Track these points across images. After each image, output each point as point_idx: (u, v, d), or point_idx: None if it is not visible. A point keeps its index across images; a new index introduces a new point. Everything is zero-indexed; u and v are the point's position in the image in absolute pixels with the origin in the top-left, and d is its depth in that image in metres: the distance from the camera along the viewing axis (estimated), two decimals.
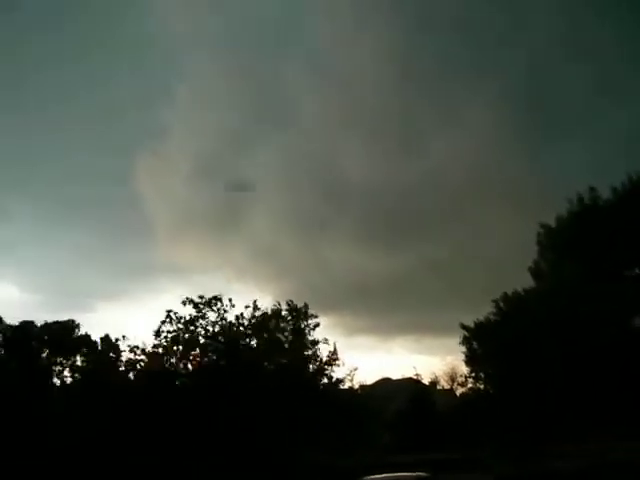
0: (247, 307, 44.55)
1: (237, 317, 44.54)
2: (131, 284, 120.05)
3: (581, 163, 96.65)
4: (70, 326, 51.44)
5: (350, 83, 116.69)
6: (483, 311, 45.81)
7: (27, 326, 49.90)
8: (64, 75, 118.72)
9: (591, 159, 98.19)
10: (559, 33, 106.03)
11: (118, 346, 47.36)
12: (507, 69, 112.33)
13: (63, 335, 50.27)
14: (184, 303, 43.44)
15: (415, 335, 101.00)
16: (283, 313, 45.47)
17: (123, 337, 46.02)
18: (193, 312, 43.53)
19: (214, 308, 43.91)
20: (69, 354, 50.07)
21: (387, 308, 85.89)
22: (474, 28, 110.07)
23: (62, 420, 40.97)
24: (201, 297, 43.89)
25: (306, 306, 45.45)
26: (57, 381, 50.51)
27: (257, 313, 44.86)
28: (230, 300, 44.40)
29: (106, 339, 49.84)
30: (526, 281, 43.71)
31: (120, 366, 45.94)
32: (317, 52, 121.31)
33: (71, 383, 49.55)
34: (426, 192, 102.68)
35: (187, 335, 43.69)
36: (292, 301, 45.44)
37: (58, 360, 50.17)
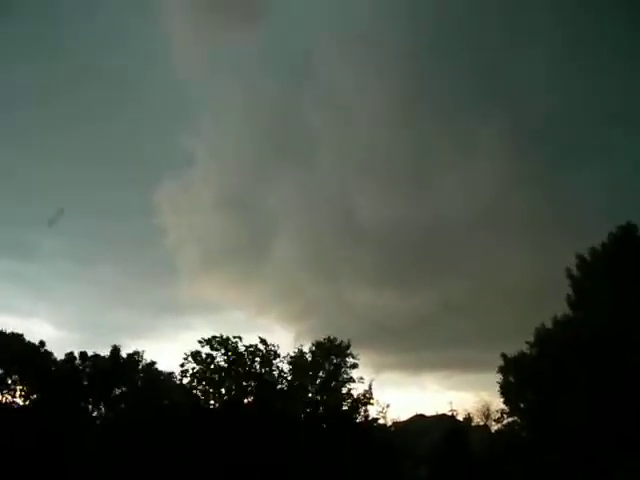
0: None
1: (272, 354, 44.48)
2: (158, 320, 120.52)
3: (596, 194, 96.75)
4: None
5: (365, 127, 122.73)
6: (511, 345, 44.99)
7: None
8: (88, 107, 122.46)
9: (606, 190, 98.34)
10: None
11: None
12: (518, 101, 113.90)
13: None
14: (201, 343, 44.09)
15: (444, 371, 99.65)
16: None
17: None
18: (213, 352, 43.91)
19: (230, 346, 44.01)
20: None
21: (412, 345, 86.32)
22: (482, 64, 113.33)
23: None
24: (220, 336, 44.12)
25: (348, 344, 45.12)
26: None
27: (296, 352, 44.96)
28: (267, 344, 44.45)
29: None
30: (552, 312, 42.79)
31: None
32: (335, 96, 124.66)
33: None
34: (441, 230, 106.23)
35: (214, 374, 43.73)
36: (335, 338, 45.24)
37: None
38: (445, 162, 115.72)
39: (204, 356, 43.90)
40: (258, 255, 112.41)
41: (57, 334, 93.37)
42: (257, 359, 44.03)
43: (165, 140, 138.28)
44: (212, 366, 43.80)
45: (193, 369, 43.75)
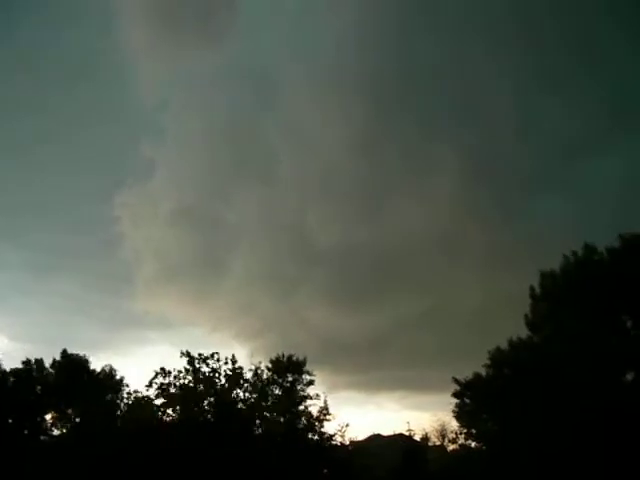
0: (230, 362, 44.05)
1: (229, 371, 44.05)
2: (114, 334, 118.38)
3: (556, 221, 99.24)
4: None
5: (324, 149, 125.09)
6: (467, 366, 45.51)
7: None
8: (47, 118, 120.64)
9: (565, 215, 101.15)
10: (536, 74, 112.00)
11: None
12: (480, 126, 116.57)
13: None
14: (182, 354, 43.22)
15: (401, 391, 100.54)
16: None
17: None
18: (185, 365, 43.09)
19: (208, 362, 43.42)
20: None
21: (368, 364, 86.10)
22: (441, 89, 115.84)
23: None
24: (200, 354, 43.52)
25: (304, 361, 45.06)
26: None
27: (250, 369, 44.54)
28: (231, 358, 44.04)
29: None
30: (507, 334, 43.40)
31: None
32: (295, 118, 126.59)
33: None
34: (396, 253, 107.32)
35: (177, 390, 43.12)
36: (292, 355, 45.16)
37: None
38: (402, 186, 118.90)
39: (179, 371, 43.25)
40: (215, 271, 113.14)
41: (12, 346, 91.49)
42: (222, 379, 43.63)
43: (125, 151, 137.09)
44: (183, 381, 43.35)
45: (161, 384, 43.10)
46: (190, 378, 43.13)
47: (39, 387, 49.48)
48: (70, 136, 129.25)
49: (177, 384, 42.94)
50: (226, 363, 43.67)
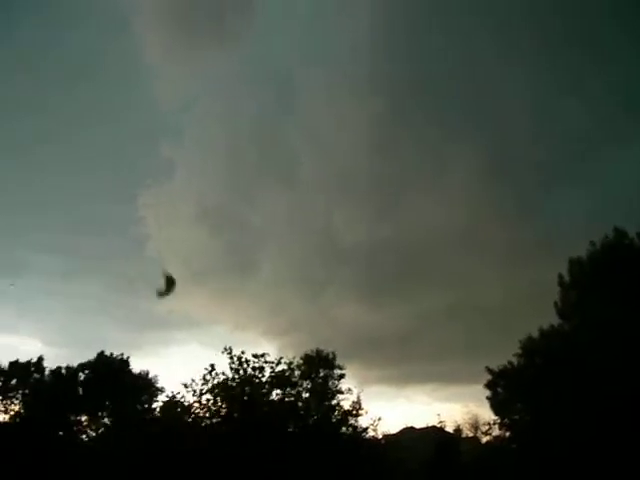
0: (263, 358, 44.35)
1: (256, 368, 44.28)
2: (142, 334, 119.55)
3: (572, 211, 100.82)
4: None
5: (341, 150, 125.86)
6: (494, 358, 45.69)
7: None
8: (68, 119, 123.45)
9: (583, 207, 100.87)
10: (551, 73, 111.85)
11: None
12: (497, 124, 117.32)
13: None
14: (225, 351, 42.88)
15: (431, 384, 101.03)
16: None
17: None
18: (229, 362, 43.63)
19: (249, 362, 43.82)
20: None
21: (397, 358, 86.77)
22: (464, 89, 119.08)
23: None
24: (242, 352, 43.88)
25: (334, 355, 45.26)
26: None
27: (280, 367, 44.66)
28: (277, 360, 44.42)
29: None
30: (533, 326, 43.45)
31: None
32: (315, 119, 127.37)
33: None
34: (419, 250, 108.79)
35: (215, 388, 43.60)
36: (322, 350, 45.37)
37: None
38: (421, 184, 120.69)
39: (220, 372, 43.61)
40: (241, 271, 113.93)
41: (43, 349, 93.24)
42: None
43: (145, 151, 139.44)
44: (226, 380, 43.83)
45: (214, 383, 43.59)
46: (235, 376, 43.49)
47: (80, 388, 50.58)
48: (94, 136, 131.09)
49: (221, 383, 43.36)
50: (271, 363, 43.87)
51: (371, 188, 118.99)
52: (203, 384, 42.95)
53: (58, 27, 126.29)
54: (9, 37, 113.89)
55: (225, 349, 43.41)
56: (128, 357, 53.09)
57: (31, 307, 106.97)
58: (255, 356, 44.04)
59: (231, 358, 43.33)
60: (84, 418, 50.71)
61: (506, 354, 44.88)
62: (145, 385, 52.79)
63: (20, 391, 49.42)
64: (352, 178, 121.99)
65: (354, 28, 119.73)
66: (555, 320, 41.95)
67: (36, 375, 50.10)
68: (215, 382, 43.07)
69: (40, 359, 50.63)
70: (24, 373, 49.50)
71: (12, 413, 48.19)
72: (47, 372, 50.35)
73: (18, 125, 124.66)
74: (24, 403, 48.81)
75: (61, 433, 48.82)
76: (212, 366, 43.08)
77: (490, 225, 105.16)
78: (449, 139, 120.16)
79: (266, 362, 44.05)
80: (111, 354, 52.76)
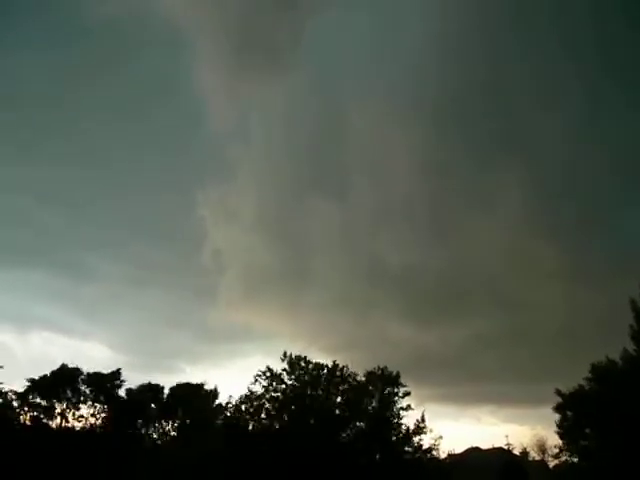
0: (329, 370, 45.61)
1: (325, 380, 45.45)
2: (208, 345, 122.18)
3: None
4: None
5: (385, 176, 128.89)
6: (559, 381, 45.04)
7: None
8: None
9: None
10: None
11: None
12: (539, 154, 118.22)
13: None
14: (284, 358, 45.62)
15: (492, 405, 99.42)
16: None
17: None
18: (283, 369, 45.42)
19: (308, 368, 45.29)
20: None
21: (454, 377, 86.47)
22: (505, 120, 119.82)
23: None
24: (299, 357, 45.45)
25: (398, 373, 45.51)
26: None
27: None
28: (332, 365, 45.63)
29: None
30: (588, 352, 42.91)
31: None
32: (365, 143, 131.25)
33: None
34: (463, 272, 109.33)
35: (277, 394, 45.07)
36: (386, 367, 45.78)
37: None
38: (469, 212, 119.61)
39: (275, 374, 45.65)
40: (296, 285, 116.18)
41: (112, 356, 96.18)
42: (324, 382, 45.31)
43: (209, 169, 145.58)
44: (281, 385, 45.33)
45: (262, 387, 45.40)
46: (293, 381, 44.97)
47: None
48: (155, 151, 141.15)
49: (280, 387, 44.92)
50: (327, 369, 45.17)
51: (423, 211, 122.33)
52: (263, 393, 44.98)
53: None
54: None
55: (285, 355, 45.36)
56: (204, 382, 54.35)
57: (101, 314, 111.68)
58: (319, 366, 45.44)
59: (290, 364, 45.07)
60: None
61: (571, 377, 44.66)
62: (209, 395, 53.70)
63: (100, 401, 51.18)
64: (401, 202, 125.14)
65: (404, 61, 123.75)
66: (625, 344, 40.98)
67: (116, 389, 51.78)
68: (273, 388, 44.94)
69: (118, 372, 52.31)
70: (103, 383, 51.27)
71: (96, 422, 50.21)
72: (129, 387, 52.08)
73: (100, 138, 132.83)
74: (107, 414, 50.71)
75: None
76: (270, 370, 45.16)
77: (548, 249, 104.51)
78: (497, 165, 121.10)
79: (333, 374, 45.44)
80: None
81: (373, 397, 45.49)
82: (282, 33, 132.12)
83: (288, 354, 45.70)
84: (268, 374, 45.37)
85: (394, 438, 44.71)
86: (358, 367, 46.78)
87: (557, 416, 44.90)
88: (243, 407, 46.29)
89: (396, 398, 45.33)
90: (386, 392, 45.40)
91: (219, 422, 48.82)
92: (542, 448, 54.06)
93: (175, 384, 53.22)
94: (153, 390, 52.30)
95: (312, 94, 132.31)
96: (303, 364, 45.59)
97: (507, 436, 57.06)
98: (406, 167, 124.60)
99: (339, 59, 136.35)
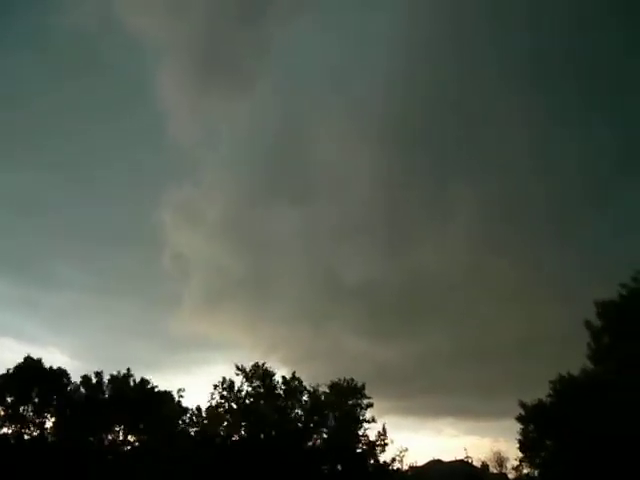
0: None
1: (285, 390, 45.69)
2: (170, 354, 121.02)
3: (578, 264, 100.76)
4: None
5: (345, 189, 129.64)
6: (514, 395, 46.17)
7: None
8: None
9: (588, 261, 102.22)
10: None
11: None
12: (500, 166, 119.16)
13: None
14: (238, 371, 46.01)
15: (451, 417, 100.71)
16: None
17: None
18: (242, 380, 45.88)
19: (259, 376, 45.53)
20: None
21: (408, 391, 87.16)
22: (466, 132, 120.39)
23: None
24: (256, 366, 45.62)
25: (363, 385, 45.86)
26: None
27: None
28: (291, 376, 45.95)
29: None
30: (544, 366, 43.94)
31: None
32: (324, 158, 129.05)
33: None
34: (421, 286, 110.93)
35: (234, 404, 45.20)
36: (352, 379, 46.13)
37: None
38: (427, 226, 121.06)
39: (235, 386, 45.94)
40: (257, 295, 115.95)
41: (72, 364, 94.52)
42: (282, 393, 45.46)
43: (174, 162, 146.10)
44: (240, 395, 45.57)
45: (220, 397, 45.47)
46: (250, 390, 45.14)
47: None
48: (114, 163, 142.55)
49: (236, 397, 45.10)
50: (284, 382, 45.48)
51: (382, 225, 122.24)
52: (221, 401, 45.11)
53: None
54: None
55: (238, 368, 45.78)
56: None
57: (61, 321, 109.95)
58: (285, 381, 45.67)
59: (246, 377, 45.30)
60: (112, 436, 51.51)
61: (532, 391, 45.66)
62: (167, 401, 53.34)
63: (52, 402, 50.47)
64: (361, 215, 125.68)
65: (370, 76, 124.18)
66: (581, 361, 42.16)
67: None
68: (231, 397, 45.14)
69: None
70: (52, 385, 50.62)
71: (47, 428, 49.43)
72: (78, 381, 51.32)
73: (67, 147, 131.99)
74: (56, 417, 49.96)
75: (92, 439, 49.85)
76: (227, 381, 45.77)
77: (497, 265, 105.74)
78: (451, 181, 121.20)
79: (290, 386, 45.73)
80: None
81: (335, 407, 45.76)
82: (248, 47, 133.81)
83: (241, 367, 45.47)
84: (225, 385, 45.37)
85: (358, 450, 45.04)
86: (319, 379, 47.16)
87: (519, 426, 45.92)
88: (204, 414, 46.37)
89: (359, 410, 45.78)
90: (350, 403, 45.79)
91: (180, 429, 48.67)
92: (500, 461, 55.03)
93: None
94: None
95: (278, 106, 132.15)
96: (261, 372, 45.77)
97: (466, 449, 57.61)
98: (367, 181, 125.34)
99: (306, 72, 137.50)
